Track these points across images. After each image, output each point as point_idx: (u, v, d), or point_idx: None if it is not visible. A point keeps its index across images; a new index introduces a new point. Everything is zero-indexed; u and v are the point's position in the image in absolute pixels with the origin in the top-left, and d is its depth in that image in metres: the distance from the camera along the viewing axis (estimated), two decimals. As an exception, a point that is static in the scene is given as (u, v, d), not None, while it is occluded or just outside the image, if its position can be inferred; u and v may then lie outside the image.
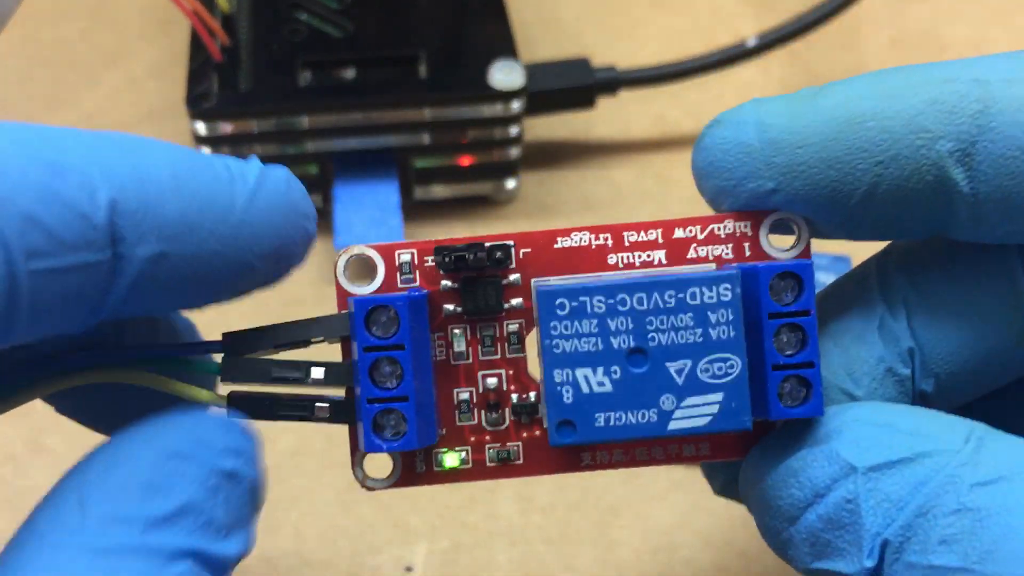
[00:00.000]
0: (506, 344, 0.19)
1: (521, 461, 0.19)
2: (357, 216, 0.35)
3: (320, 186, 0.36)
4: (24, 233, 0.15)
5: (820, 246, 0.37)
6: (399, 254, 0.19)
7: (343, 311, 0.19)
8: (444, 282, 0.19)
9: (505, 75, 0.35)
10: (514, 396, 0.19)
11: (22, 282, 0.15)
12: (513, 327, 0.19)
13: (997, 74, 0.18)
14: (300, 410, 0.18)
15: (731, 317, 0.17)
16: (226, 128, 0.34)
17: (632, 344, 0.17)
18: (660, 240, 0.19)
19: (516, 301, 0.19)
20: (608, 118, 0.41)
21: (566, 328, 0.17)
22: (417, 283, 0.19)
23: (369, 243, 0.19)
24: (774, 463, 0.18)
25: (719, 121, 0.19)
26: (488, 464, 0.19)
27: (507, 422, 0.19)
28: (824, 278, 0.31)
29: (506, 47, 0.36)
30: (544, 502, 0.31)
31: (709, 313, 0.17)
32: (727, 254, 0.19)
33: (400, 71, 0.36)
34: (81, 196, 0.16)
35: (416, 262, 0.19)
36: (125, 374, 0.19)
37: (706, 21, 0.45)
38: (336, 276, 0.19)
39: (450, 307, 0.19)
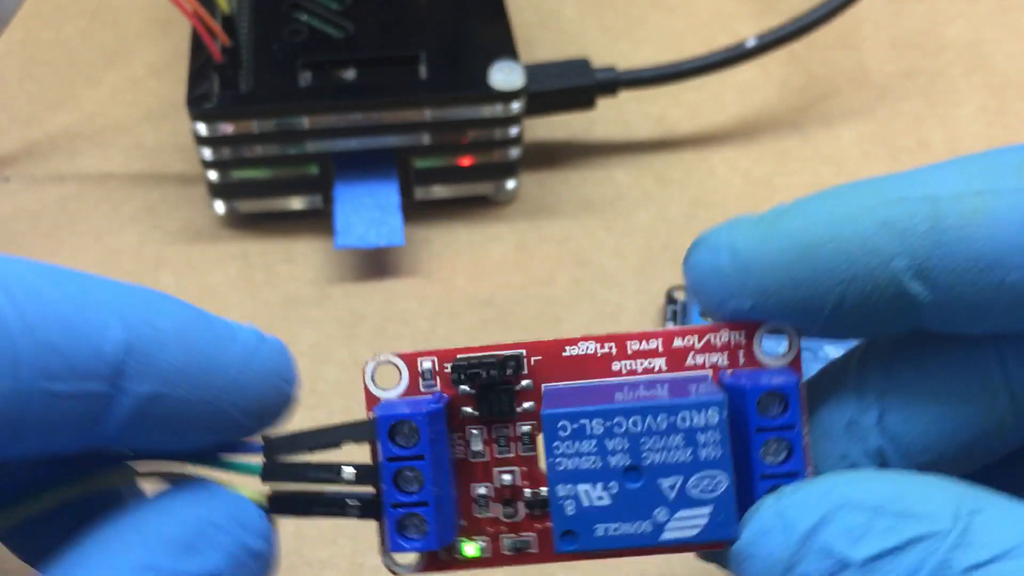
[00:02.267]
0: (519, 444, 0.21)
1: (535, 550, 0.21)
2: (357, 216, 0.35)
3: (320, 186, 0.37)
4: (41, 356, 0.17)
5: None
6: (421, 361, 0.21)
7: (371, 417, 0.20)
8: (462, 387, 0.20)
9: (505, 76, 0.35)
10: (527, 491, 0.21)
11: (34, 398, 0.17)
12: (526, 428, 0.21)
13: (945, 189, 0.18)
14: (334, 507, 0.20)
15: (718, 438, 0.19)
16: (227, 129, 0.34)
17: (628, 462, 0.19)
18: (660, 349, 0.21)
19: (528, 405, 0.21)
20: (608, 118, 0.41)
21: (568, 447, 0.19)
22: (438, 387, 0.21)
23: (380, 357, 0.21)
24: (760, 551, 0.18)
25: (697, 244, 0.20)
26: (504, 552, 0.21)
27: (521, 515, 0.21)
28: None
29: (506, 48, 0.36)
30: (544, 502, 0.31)
31: (698, 435, 0.19)
32: (723, 362, 0.20)
33: (400, 72, 0.36)
34: (97, 333, 0.17)
35: (437, 368, 0.21)
36: (167, 468, 0.20)
37: (705, 22, 0.45)
38: (364, 382, 0.21)
39: (468, 410, 0.21)
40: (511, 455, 0.21)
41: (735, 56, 0.38)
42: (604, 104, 0.39)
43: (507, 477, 0.21)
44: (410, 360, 0.21)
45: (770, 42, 0.38)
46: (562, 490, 0.19)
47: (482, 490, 0.21)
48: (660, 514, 0.19)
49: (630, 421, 0.19)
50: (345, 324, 0.35)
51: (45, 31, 0.44)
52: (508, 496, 0.21)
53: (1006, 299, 0.18)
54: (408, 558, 0.21)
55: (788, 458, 0.19)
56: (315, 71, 0.36)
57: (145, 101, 0.41)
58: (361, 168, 0.36)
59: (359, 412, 0.36)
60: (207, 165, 0.35)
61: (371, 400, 0.21)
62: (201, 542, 0.18)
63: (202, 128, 0.34)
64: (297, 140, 0.35)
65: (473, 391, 0.21)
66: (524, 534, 0.21)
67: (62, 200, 0.38)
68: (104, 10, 0.45)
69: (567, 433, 0.19)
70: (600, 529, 0.19)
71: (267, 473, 0.20)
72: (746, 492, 0.19)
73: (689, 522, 0.19)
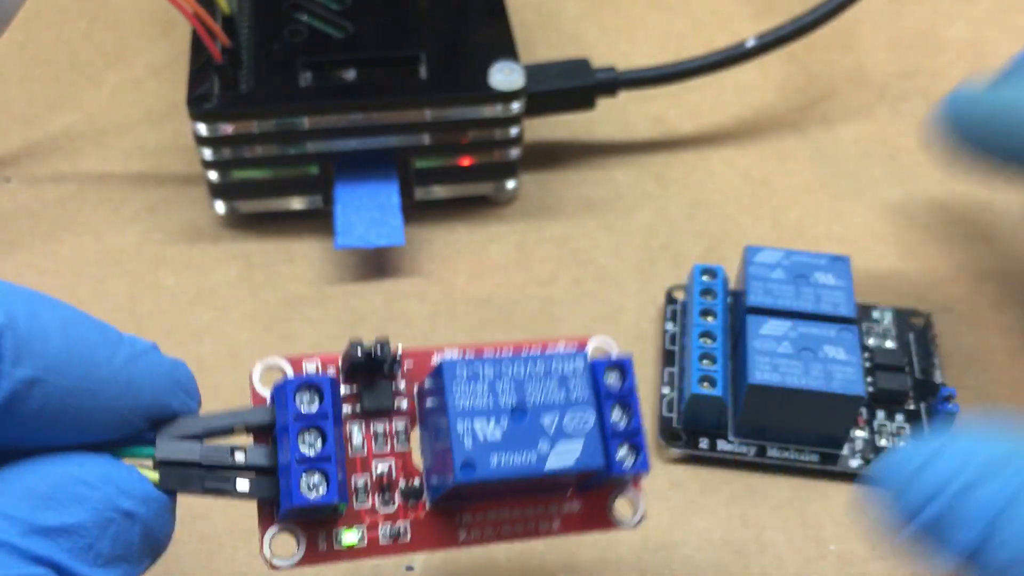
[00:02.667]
0: (395, 439, 0.23)
1: (409, 538, 0.23)
2: (357, 216, 0.35)
3: (320, 186, 0.37)
4: None
5: (819, 246, 0.37)
6: (306, 364, 0.23)
7: (261, 405, 0.22)
8: (344, 388, 0.23)
9: (505, 76, 0.35)
10: (402, 482, 0.23)
11: None
12: (400, 425, 0.23)
13: None
14: (223, 483, 0.21)
15: (584, 382, 0.22)
16: (227, 129, 0.34)
17: (515, 402, 0.22)
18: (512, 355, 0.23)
19: (402, 404, 0.23)
20: (608, 119, 0.41)
21: (464, 389, 0.21)
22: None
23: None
24: None
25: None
26: (381, 541, 0.22)
27: (396, 504, 0.23)
28: (823, 278, 0.32)
29: (506, 48, 0.36)
30: (544, 501, 0.31)
31: (569, 379, 0.22)
32: None
33: (401, 72, 0.36)
34: None
35: (321, 371, 0.23)
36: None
37: (705, 22, 0.45)
38: (252, 382, 0.22)
39: (348, 408, 0.23)
40: (387, 450, 0.23)
41: (735, 56, 0.38)
42: (604, 104, 0.39)
43: (384, 469, 0.23)
44: (296, 363, 0.22)
45: (770, 42, 0.38)
46: (460, 426, 0.21)
47: (361, 481, 0.22)
48: (543, 446, 0.21)
49: (514, 367, 0.22)
50: (345, 324, 0.35)
51: (45, 31, 0.44)
52: (385, 484, 0.23)
53: None
54: (288, 551, 0.22)
55: (630, 420, 0.22)
56: (315, 71, 0.36)
57: (145, 101, 0.42)
58: (361, 168, 0.36)
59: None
60: (207, 165, 0.35)
61: (257, 400, 0.22)
62: (64, 496, 0.18)
63: (202, 128, 0.34)
64: (297, 140, 0.35)
65: (354, 390, 0.23)
66: (399, 522, 0.23)
67: (62, 200, 0.38)
68: (104, 11, 0.45)
69: (463, 377, 0.21)
70: (494, 459, 0.21)
71: (160, 452, 0.21)
72: (605, 447, 0.22)
73: (567, 453, 0.21)
